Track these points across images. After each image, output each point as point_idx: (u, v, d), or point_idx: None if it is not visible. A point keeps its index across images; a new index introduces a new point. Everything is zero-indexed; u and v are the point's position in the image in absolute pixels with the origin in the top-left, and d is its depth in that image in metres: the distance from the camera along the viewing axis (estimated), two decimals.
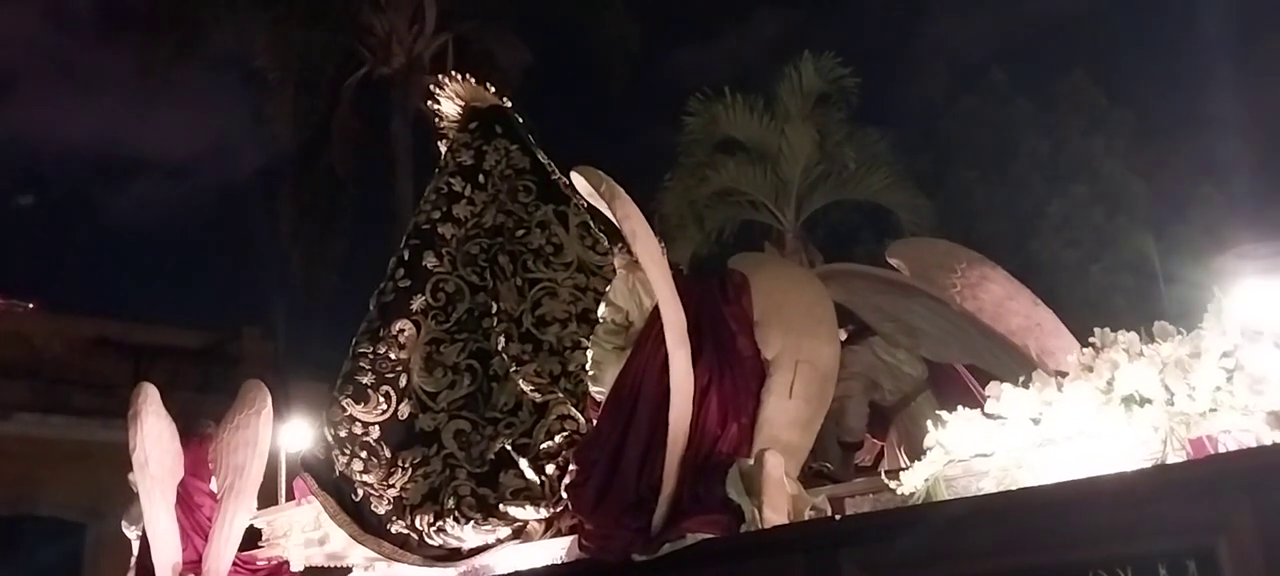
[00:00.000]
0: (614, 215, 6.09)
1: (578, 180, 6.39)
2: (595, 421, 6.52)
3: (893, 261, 7.38)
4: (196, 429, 9.14)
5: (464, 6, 22.15)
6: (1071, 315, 6.77)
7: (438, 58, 21.00)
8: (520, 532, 7.06)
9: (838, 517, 5.37)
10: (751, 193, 17.89)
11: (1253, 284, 5.13)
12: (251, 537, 8.80)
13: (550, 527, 6.97)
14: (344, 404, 7.54)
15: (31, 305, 22.77)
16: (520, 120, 8.86)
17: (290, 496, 9.04)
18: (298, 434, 9.77)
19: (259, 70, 21.70)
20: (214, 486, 8.77)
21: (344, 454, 7.48)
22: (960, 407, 5.25)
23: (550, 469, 6.92)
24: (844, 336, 7.24)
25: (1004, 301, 6.95)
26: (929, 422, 5.26)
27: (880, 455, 7.23)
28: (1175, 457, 4.39)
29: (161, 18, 21.37)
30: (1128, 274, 16.26)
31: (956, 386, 6.80)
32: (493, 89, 9.01)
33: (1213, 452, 4.26)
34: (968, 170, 18.95)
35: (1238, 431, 4.28)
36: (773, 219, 17.86)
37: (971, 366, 6.77)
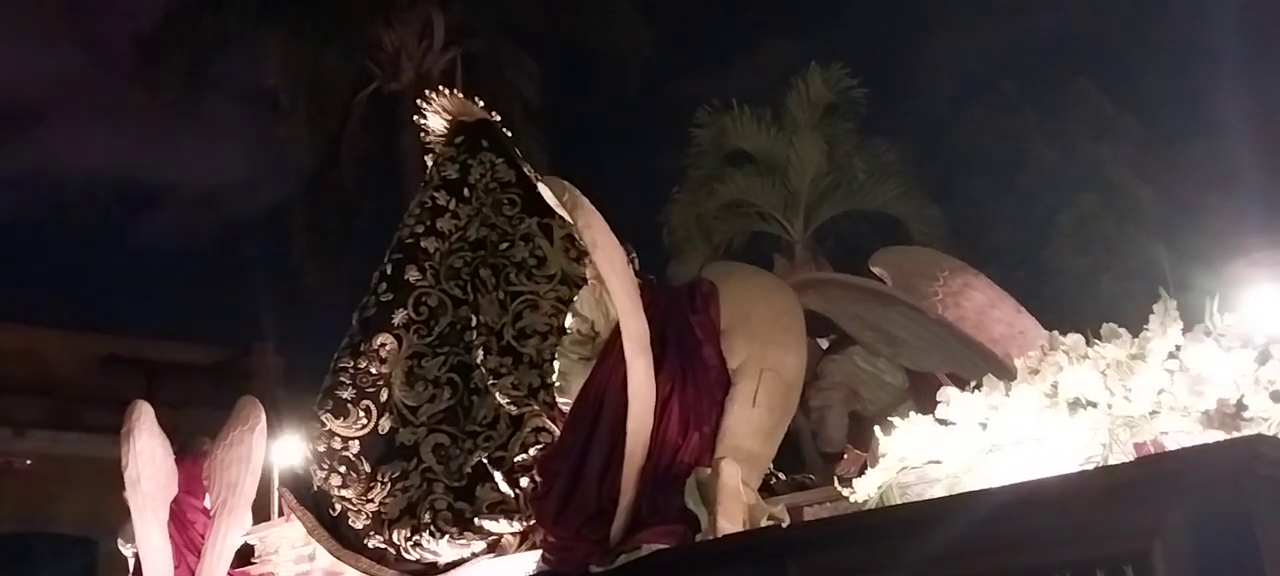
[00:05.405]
0: (576, 224, 6.12)
1: (543, 191, 6.43)
2: (559, 432, 6.55)
3: (876, 270, 7.38)
4: (192, 446, 9.27)
5: (473, 22, 22.21)
6: (1082, 324, 6.66)
7: (447, 73, 21.01)
8: (495, 546, 7.08)
9: (784, 525, 5.37)
10: (760, 204, 17.77)
11: (1264, 290, 5.09)
12: (244, 554, 8.88)
13: (525, 541, 6.97)
14: (323, 419, 7.58)
15: None
16: (507, 133, 8.87)
17: (282, 512, 9.12)
18: (295, 449, 9.81)
19: (271, 89, 21.85)
20: (208, 503, 8.86)
21: (322, 469, 7.52)
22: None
23: (524, 482, 6.92)
24: (825, 346, 7.26)
25: (986, 309, 6.95)
26: (878, 430, 5.25)
27: (864, 466, 7.21)
28: (1119, 460, 4.36)
29: (169, 40, 21.54)
30: (1138, 282, 16.01)
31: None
32: (481, 103, 9.03)
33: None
34: (977, 179, 18.84)
35: (1177, 433, 4.26)
36: (782, 230, 17.75)
37: (953, 375, 6.74)
